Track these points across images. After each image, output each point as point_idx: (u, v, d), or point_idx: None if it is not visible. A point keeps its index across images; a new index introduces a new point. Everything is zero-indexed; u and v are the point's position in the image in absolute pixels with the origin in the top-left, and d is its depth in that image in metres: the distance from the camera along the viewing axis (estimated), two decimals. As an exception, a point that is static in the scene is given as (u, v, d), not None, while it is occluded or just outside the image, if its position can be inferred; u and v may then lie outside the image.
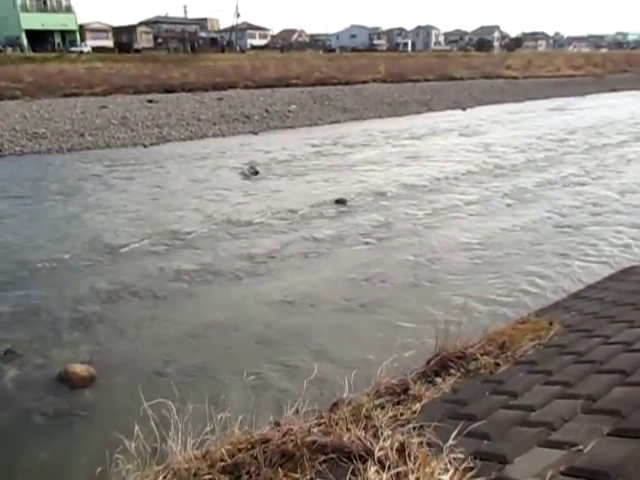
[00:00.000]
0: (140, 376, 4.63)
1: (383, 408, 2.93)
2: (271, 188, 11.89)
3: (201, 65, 37.76)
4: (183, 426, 2.03)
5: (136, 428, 1.99)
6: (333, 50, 79.88)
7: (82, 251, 8.02)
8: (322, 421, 2.63)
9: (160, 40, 76.53)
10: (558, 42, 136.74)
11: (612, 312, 4.06)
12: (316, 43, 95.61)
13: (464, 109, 27.92)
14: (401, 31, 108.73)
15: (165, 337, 5.53)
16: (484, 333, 3.81)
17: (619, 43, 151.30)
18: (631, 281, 5.27)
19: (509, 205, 10.43)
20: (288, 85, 31.81)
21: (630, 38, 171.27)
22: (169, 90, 29.43)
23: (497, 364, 3.36)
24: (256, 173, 13.27)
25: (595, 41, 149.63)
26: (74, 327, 5.73)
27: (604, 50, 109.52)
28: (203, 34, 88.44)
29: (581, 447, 1.86)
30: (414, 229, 9.01)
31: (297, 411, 2.61)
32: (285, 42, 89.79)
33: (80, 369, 4.76)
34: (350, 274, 7.11)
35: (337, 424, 2.32)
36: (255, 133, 20.12)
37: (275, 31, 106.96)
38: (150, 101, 25.35)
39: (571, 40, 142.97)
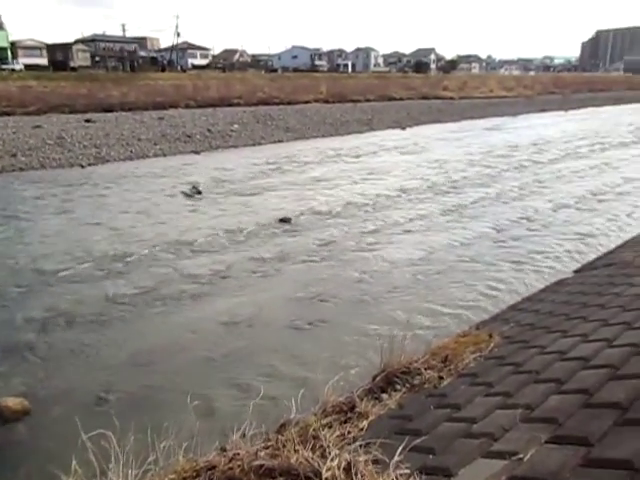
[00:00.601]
0: (79, 407, 4.44)
1: (330, 427, 2.93)
2: (214, 208, 11.78)
3: (141, 84, 37.19)
4: (124, 457, 1.96)
5: (74, 462, 1.90)
6: (275, 70, 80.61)
7: (13, 278, 7.66)
8: (269, 444, 2.60)
9: (98, 59, 74.95)
10: (490, 65, 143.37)
11: (547, 323, 4.24)
12: (258, 63, 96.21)
13: (404, 128, 28.67)
14: (341, 52, 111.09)
15: (105, 365, 5.33)
16: (428, 347, 3.89)
17: (546, 66, 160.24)
18: (564, 292, 5.53)
19: (450, 221, 10.73)
20: (230, 105, 31.74)
21: (556, 62, 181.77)
22: (108, 109, 28.76)
23: (441, 378, 3.44)
24: (199, 193, 13.12)
25: (524, 64, 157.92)
26: (6, 358, 5.44)
27: (533, 73, 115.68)
28: (143, 53, 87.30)
29: (521, 456, 1.92)
30: (358, 246, 9.12)
31: (244, 434, 2.57)
32: (227, 62, 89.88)
33: (13, 402, 4.51)
34: (296, 293, 7.11)
35: (285, 446, 2.30)
36: (197, 153, 19.92)
37: (216, 51, 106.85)
38: (88, 120, 24.67)
39: (502, 63, 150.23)
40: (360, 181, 14.83)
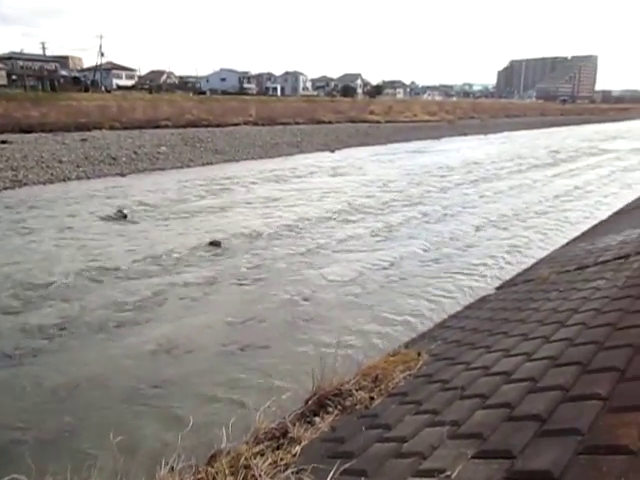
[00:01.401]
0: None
1: (263, 455, 2.88)
2: (141, 232, 11.44)
3: (63, 104, 35.78)
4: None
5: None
6: (203, 92, 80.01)
7: None
8: (199, 476, 2.52)
9: (15, 77, 71.61)
10: (414, 90, 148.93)
11: (472, 339, 4.38)
12: (186, 85, 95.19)
13: (333, 151, 29.17)
14: (270, 76, 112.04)
15: (22, 402, 4.99)
16: (359, 368, 3.92)
17: (466, 92, 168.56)
18: (487, 309, 5.75)
19: (380, 241, 10.95)
20: (157, 126, 31.14)
21: (475, 88, 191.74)
22: (26, 130, 27.43)
23: (372, 398, 3.46)
24: (124, 217, 12.71)
25: (446, 90, 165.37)
26: None
27: (454, 98, 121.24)
28: (64, 72, 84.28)
29: (449, 473, 1.95)
30: (290, 268, 9.11)
31: (172, 468, 2.48)
32: (154, 83, 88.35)
33: None
34: (226, 317, 6.98)
35: (215, 478, 2.23)
36: (123, 175, 19.35)
37: (143, 72, 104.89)
38: (3, 142, 23.41)
39: (425, 89, 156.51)
40: (291, 203, 14.90)
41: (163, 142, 25.93)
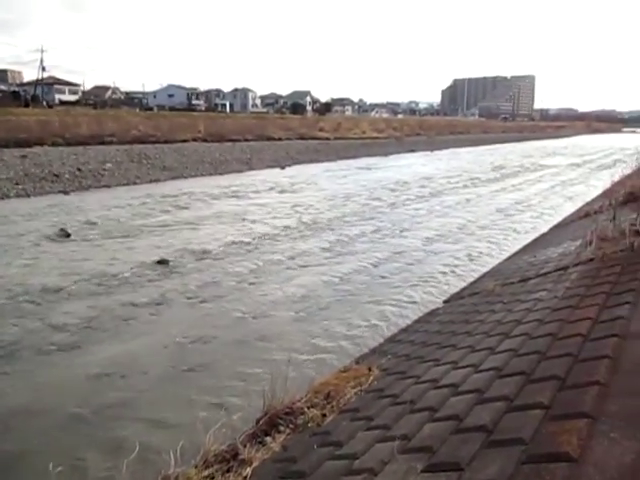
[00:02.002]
0: None
1: (212, 479, 2.81)
2: (85, 251, 11.07)
3: (0, 119, 34.42)
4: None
5: None
6: (150, 108, 78.79)
7: None
8: (145, 504, 2.42)
9: (-52, 92, 68.57)
10: (362, 108, 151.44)
11: (421, 353, 4.44)
12: (132, 101, 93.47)
13: (283, 167, 29.24)
14: (219, 92, 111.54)
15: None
16: (310, 385, 3.89)
17: (412, 110, 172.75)
18: (435, 322, 5.85)
19: (330, 257, 11.00)
20: (103, 143, 30.34)
21: (421, 106, 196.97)
22: (-41, 146, 26.18)
23: (324, 415, 3.45)
24: (68, 236, 12.29)
25: (393, 108, 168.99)
26: None
27: (401, 116, 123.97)
28: (2, 87, 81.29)
29: (399, 488, 1.96)
30: (239, 286, 9.01)
31: (117, 498, 2.38)
32: (98, 98, 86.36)
33: None
34: (175, 338, 6.82)
35: (161, 505, 2.16)
36: (66, 193, 18.75)
37: (87, 87, 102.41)
38: None
39: (373, 106, 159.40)
40: (241, 220, 14.80)
41: (108, 159, 25.31)
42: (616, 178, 13.47)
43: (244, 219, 14.94)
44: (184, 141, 34.12)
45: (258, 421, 3.46)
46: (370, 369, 4.15)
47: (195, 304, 8.16)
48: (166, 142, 32.55)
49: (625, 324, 2.81)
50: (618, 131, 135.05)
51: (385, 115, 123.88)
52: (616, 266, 4.28)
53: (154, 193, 19.14)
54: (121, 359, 6.16)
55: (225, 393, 5.27)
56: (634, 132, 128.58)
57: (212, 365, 6.05)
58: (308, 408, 3.46)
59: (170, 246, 11.55)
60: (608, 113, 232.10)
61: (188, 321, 7.46)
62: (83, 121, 33.92)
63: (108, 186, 20.66)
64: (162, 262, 10.17)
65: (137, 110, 67.80)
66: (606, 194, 12.63)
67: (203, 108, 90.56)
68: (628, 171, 13.03)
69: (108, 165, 23.88)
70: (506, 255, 10.58)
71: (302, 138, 44.27)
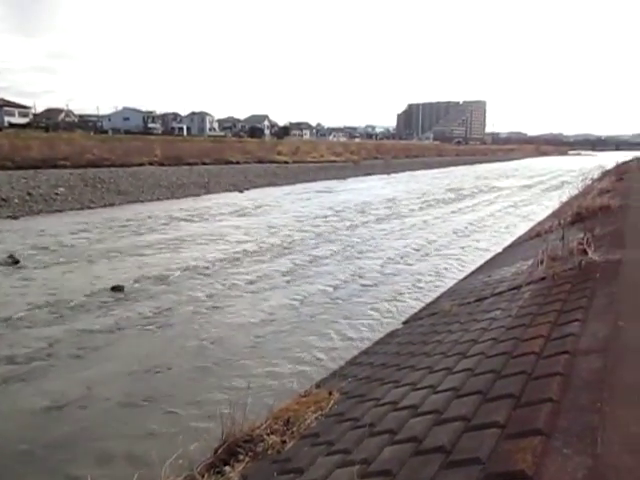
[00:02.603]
0: None
1: (168, 513, 2.72)
2: (36, 279, 10.69)
3: (-55, 143, 33.15)
4: None
5: None
6: (105, 132, 77.57)
7: None
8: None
9: None
10: (320, 132, 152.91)
11: (381, 374, 4.46)
12: (86, 124, 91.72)
13: (241, 191, 29.16)
14: (176, 116, 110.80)
15: None
16: (270, 411, 3.84)
17: (369, 134, 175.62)
18: (395, 343, 5.89)
19: (290, 281, 10.96)
20: (55, 166, 29.54)
21: (377, 130, 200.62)
22: None
23: (284, 442, 3.40)
24: (16, 262, 11.85)
25: (350, 132, 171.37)
26: None
27: (358, 140, 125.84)
28: (-52, 110, 78.62)
29: (359, 514, 1.94)
30: (198, 312, 8.86)
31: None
32: (51, 121, 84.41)
33: None
34: (131, 366, 6.63)
35: None
36: (15, 218, 18.14)
37: (39, 110, 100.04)
38: None
39: (331, 130, 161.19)
40: (199, 244, 14.63)
41: (61, 182, 24.67)
42: (564, 199, 13.99)
43: (202, 243, 14.77)
44: (140, 165, 33.63)
45: (216, 450, 3.38)
46: (331, 393, 4.14)
47: (151, 331, 7.97)
48: (121, 166, 32.00)
49: (575, 341, 2.89)
50: (565, 154, 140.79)
51: (343, 139, 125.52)
52: (566, 284, 4.42)
53: (109, 217, 18.74)
54: (72, 390, 5.93)
55: (182, 422, 5.14)
56: (579, 154, 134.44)
57: (169, 393, 5.89)
58: (268, 435, 3.42)
59: (125, 271, 11.28)
60: (555, 137, 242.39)
61: (144, 349, 7.27)
62: (34, 144, 33.00)
63: (61, 210, 20.11)
64: (117, 288, 9.91)
65: (91, 133, 66.57)
66: (555, 214, 13.10)
67: (160, 131, 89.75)
68: (575, 192, 13.57)
69: (61, 189, 23.28)
70: (463, 275, 10.78)
71: (260, 162, 44.31)
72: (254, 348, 7.32)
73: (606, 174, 20.47)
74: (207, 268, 11.82)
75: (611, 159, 34.98)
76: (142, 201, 23.69)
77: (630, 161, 32.60)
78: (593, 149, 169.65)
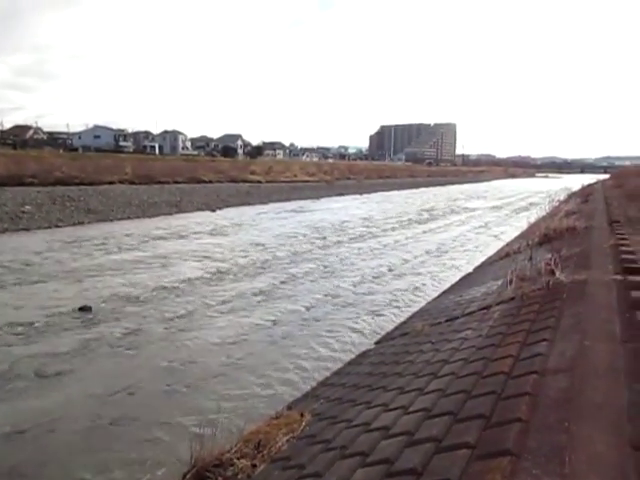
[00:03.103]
0: None
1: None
2: None
3: None
4: None
5: None
6: (75, 149, 76.53)
7: None
8: None
9: None
10: (293, 152, 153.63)
11: (353, 395, 4.43)
12: (56, 142, 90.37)
13: (214, 210, 29.01)
14: (148, 134, 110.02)
15: None
16: (241, 434, 3.78)
17: (342, 155, 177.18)
18: (367, 364, 5.87)
19: (262, 301, 10.88)
20: (22, 184, 28.96)
21: (350, 151, 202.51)
22: None
23: (254, 465, 3.34)
24: (-20, 283, 11.52)
25: (323, 152, 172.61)
26: None
27: (331, 160, 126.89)
28: None
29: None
30: (168, 332, 8.72)
31: None
32: (19, 138, 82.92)
33: None
34: (97, 389, 6.46)
35: None
36: (-21, 237, 17.68)
37: (6, 126, 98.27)
38: None
39: (304, 150, 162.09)
40: (170, 264, 14.44)
41: (28, 200, 24.18)
42: (532, 220, 14.28)
43: (173, 262, 14.59)
44: (111, 183, 33.24)
45: (185, 475, 3.31)
46: (302, 415, 4.09)
47: (120, 352, 7.79)
48: (91, 184, 31.57)
49: (543, 361, 2.93)
50: (532, 176, 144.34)
51: (316, 159, 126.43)
52: (534, 304, 4.49)
53: (77, 236, 18.40)
54: (36, 414, 5.73)
55: (150, 447, 5.01)
56: (546, 177, 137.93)
57: (137, 417, 5.75)
58: (238, 459, 3.36)
59: (94, 291, 11.06)
60: (523, 159, 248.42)
61: (112, 371, 7.10)
62: (0, 161, 32.35)
63: (27, 229, 19.67)
64: (84, 309, 9.70)
65: (61, 151, 65.59)
66: (524, 235, 13.36)
67: (131, 150, 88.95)
68: (542, 213, 13.88)
69: (27, 207, 22.81)
70: (435, 294, 10.87)
71: (233, 181, 44.26)
72: (225, 369, 7.21)
73: (572, 196, 21.03)
74: (179, 288, 11.67)
75: (577, 181, 36.02)
76: (112, 220, 23.36)
77: (594, 183, 33.62)
78: (559, 171, 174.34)
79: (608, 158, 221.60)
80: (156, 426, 5.49)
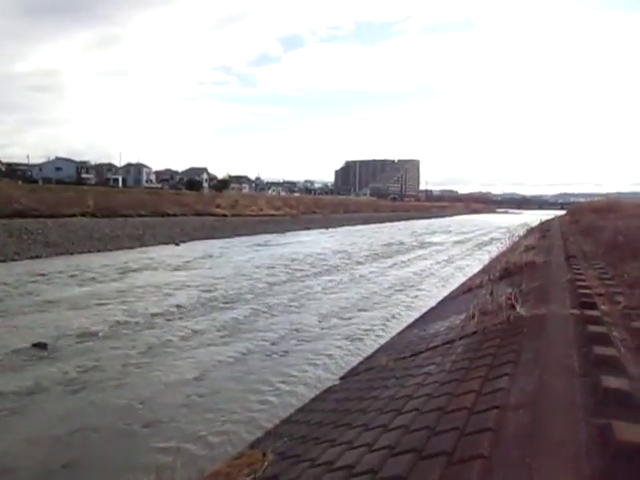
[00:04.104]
0: None
1: None
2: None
3: None
4: None
5: None
6: (35, 181, 74.97)
7: None
8: None
9: None
10: (259, 185, 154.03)
11: (317, 433, 4.36)
12: (15, 173, 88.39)
13: (177, 244, 28.68)
14: (111, 167, 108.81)
15: None
16: (200, 476, 3.66)
17: (308, 189, 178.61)
18: (331, 400, 5.80)
19: (225, 336, 10.69)
20: (-24, 216, 28.13)
21: (316, 185, 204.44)
22: None
23: (214, 509, 3.23)
24: None
25: (289, 186, 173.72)
26: None
27: (297, 194, 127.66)
28: None
29: None
30: (127, 370, 8.44)
31: None
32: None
33: None
34: (51, 430, 6.17)
35: None
36: None
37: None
38: None
39: (270, 184, 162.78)
40: (130, 298, 14.10)
41: (-18, 233, 23.46)
42: (494, 254, 14.60)
43: (134, 297, 14.26)
44: (71, 216, 32.55)
45: (141, 522, 3.16)
46: (265, 454, 4.00)
47: (76, 391, 7.49)
48: (51, 216, 30.83)
49: (505, 395, 2.95)
50: (493, 211, 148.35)
51: (282, 193, 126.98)
52: (496, 339, 4.55)
53: (34, 270, 17.85)
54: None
55: (106, 491, 4.79)
56: (507, 212, 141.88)
57: (92, 459, 5.49)
58: (197, 503, 3.23)
59: (50, 327, 10.67)
60: (484, 195, 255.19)
61: (66, 410, 6.80)
62: (-47, 193, 31.39)
63: (-19, 263, 19.02)
64: (39, 345, 9.33)
65: (20, 182, 64.08)
66: (485, 269, 13.61)
67: (93, 182, 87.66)
68: (503, 248, 14.20)
69: (-18, 240, 22.09)
70: (399, 328, 10.90)
71: (198, 214, 43.96)
72: (185, 408, 7.00)
73: (531, 231, 21.63)
74: (139, 323, 11.38)
75: (535, 217, 37.09)
76: (72, 253, 22.82)
77: (552, 219, 34.70)
78: (519, 207, 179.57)
79: (564, 195, 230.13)
80: (112, 468, 5.25)
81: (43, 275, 17.02)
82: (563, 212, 46.47)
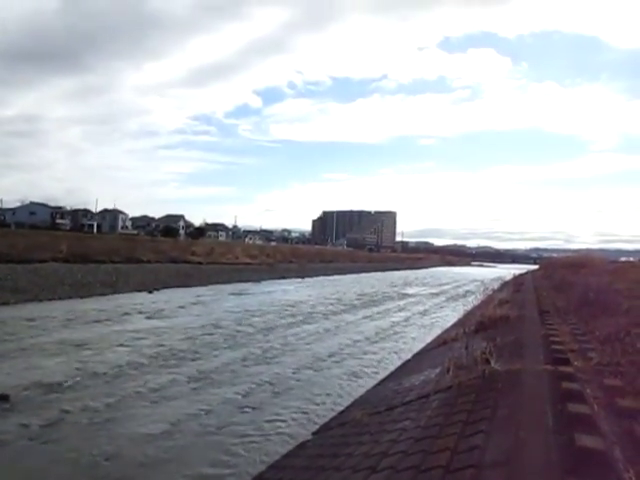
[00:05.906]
0: None
1: None
2: None
3: None
4: None
5: None
6: (8, 225, 73.92)
7: None
8: None
9: None
10: (236, 234, 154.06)
11: (289, 493, 4.21)
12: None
13: (151, 292, 28.22)
14: (87, 212, 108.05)
15: None
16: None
17: (285, 238, 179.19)
18: (304, 456, 5.65)
19: (195, 388, 10.41)
20: (-59, 262, 27.37)
21: (293, 235, 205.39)
22: None
23: None
24: None
25: (266, 235, 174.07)
26: None
27: (274, 243, 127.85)
28: None
29: None
30: (93, 423, 8.11)
31: None
32: (-54, 213, 79.36)
33: None
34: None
35: None
36: None
37: None
38: None
39: (247, 233, 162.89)
40: (99, 348, 13.71)
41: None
42: (469, 307, 14.68)
43: (101, 347, 13.86)
44: (43, 261, 31.90)
45: None
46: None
47: (37, 446, 7.15)
48: (21, 262, 30.19)
49: (480, 453, 2.91)
50: (468, 264, 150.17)
51: (259, 242, 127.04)
52: (471, 394, 4.52)
53: (1, 317, 17.30)
54: None
55: None
56: (481, 265, 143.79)
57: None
58: None
59: (13, 378, 10.26)
60: (459, 248, 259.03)
61: (27, 467, 6.47)
62: None
63: (-55, 309, 18.39)
64: (1, 397, 8.94)
65: (-9, 227, 63.05)
66: (461, 322, 13.65)
67: (68, 227, 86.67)
68: (478, 302, 14.32)
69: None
70: (375, 382, 10.76)
71: (174, 261, 43.53)
72: (153, 464, 6.72)
73: (505, 285, 21.90)
74: (107, 374, 11.03)
75: (509, 271, 37.66)
76: (42, 300, 22.24)
77: (525, 273, 35.25)
78: (493, 261, 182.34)
79: (537, 250, 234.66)
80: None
81: (7, 323, 16.48)
82: (536, 266, 47.30)
